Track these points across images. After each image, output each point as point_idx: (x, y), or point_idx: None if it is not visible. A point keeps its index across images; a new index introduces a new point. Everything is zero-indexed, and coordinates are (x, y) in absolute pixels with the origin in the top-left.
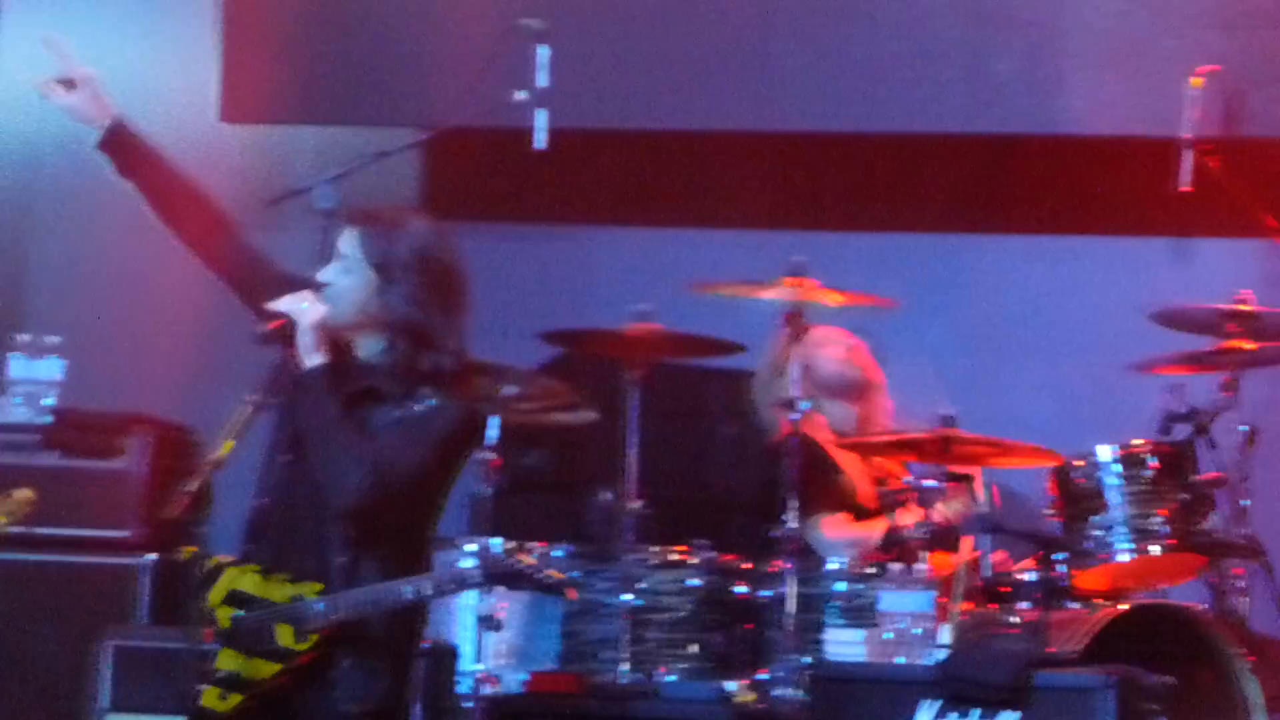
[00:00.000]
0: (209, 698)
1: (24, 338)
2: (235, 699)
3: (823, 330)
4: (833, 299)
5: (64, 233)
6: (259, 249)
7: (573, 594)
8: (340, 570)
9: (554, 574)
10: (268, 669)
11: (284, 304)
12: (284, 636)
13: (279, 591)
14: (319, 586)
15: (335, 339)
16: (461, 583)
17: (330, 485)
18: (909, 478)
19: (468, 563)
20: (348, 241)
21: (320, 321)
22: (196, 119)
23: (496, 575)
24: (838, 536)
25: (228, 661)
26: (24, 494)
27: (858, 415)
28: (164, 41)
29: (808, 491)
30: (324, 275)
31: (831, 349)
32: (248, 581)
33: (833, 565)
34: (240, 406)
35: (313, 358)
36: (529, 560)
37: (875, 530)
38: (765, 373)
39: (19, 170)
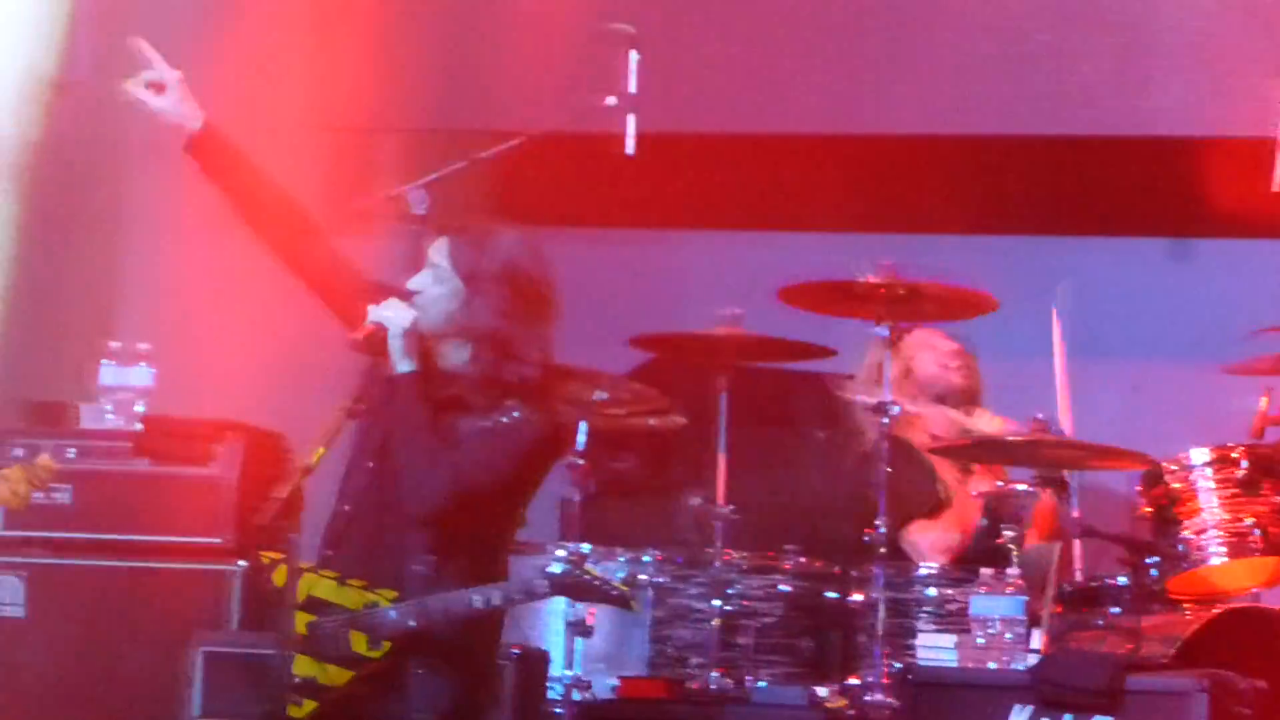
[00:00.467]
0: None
1: (115, 345)
2: (310, 705)
3: (925, 333)
4: (933, 291)
5: (155, 239)
6: (344, 255)
7: (634, 607)
8: (417, 578)
9: (618, 585)
10: (341, 676)
11: (376, 311)
12: (358, 643)
13: (354, 598)
14: (393, 594)
15: (424, 347)
16: (529, 594)
17: (410, 491)
18: (1002, 482)
19: (554, 567)
20: (438, 250)
21: (411, 329)
22: (284, 122)
23: (562, 587)
24: (924, 540)
25: (304, 667)
26: (45, 460)
27: (959, 420)
28: (253, 45)
29: (900, 496)
30: (415, 283)
31: (935, 353)
32: (323, 588)
33: (924, 570)
34: (331, 413)
35: (403, 364)
36: (594, 572)
37: (958, 529)
38: (863, 376)
39: (110, 176)
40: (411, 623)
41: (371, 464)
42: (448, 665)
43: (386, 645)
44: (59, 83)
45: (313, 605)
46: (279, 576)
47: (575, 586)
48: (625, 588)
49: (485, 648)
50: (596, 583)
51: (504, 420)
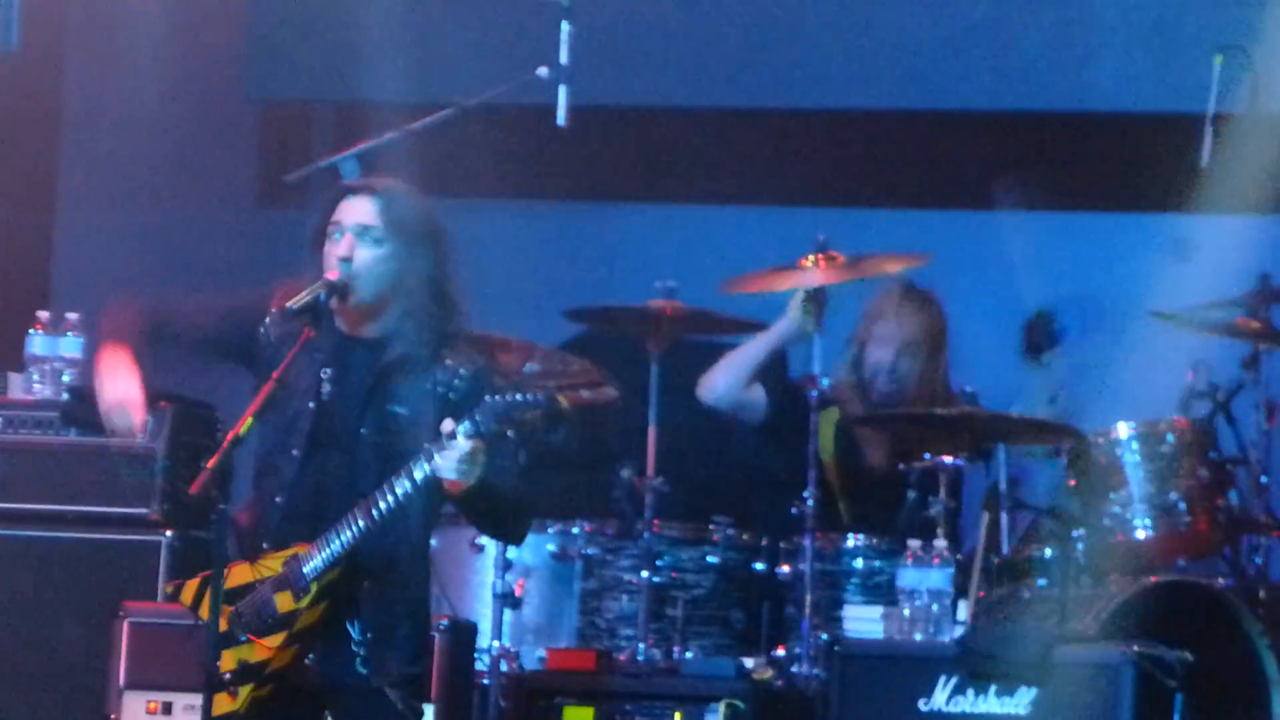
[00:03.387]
0: (220, 705)
1: (44, 315)
2: (246, 690)
3: (885, 327)
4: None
5: (87, 208)
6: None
7: (562, 403)
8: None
9: (533, 391)
10: (272, 642)
11: (306, 296)
12: (283, 603)
13: (269, 567)
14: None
15: (358, 314)
16: (450, 439)
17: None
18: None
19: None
20: (367, 212)
21: (350, 297)
22: (222, 94)
23: (480, 422)
24: (715, 378)
25: (230, 660)
26: None
27: (922, 370)
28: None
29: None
30: (343, 250)
31: (885, 348)
32: (236, 577)
33: (851, 542)
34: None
35: (345, 331)
36: (519, 396)
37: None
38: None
39: (42, 144)
40: (332, 549)
41: (297, 452)
42: (398, 624)
43: (314, 589)
44: None
45: (230, 596)
46: (186, 596)
47: (506, 415)
48: (539, 389)
49: (415, 583)
50: (527, 401)
51: (458, 384)
